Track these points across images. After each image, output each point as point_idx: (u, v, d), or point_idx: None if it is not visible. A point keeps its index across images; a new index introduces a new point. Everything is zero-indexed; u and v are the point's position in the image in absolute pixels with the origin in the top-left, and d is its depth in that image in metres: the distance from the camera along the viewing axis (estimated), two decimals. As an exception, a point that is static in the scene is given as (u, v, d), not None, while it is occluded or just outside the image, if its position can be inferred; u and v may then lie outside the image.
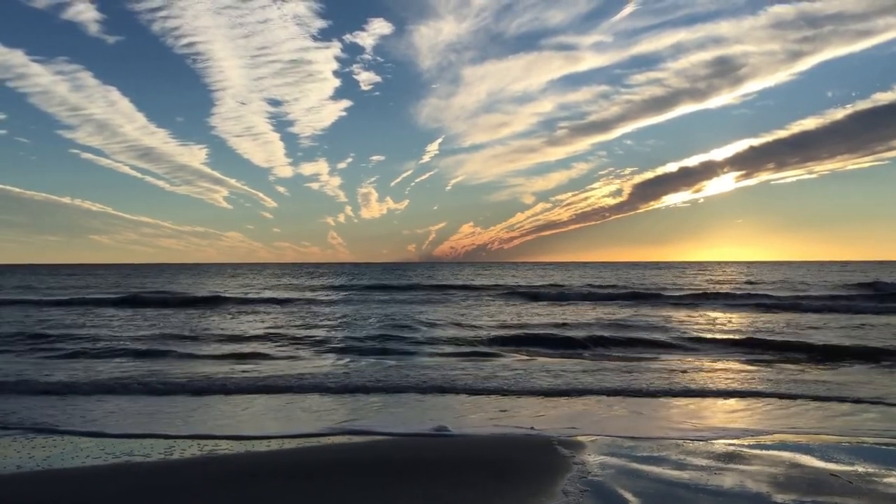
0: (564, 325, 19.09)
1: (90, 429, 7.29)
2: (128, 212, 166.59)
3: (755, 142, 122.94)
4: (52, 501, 4.92)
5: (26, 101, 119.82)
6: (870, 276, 46.45)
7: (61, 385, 9.91)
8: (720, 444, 6.55)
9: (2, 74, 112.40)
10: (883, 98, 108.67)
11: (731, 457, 6.06)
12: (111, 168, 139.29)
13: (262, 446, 6.62)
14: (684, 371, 11.44)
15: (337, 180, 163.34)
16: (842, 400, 8.80)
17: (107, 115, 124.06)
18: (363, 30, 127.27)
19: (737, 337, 16.28)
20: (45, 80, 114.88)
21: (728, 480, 5.34)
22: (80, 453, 6.30)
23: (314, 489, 5.18)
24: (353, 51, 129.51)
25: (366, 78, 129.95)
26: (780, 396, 9.06)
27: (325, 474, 5.57)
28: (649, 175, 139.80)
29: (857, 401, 8.74)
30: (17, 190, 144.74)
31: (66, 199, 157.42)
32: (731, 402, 8.87)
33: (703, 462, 5.88)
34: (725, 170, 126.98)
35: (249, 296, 33.49)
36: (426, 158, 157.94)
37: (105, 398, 9.07)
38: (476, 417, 7.94)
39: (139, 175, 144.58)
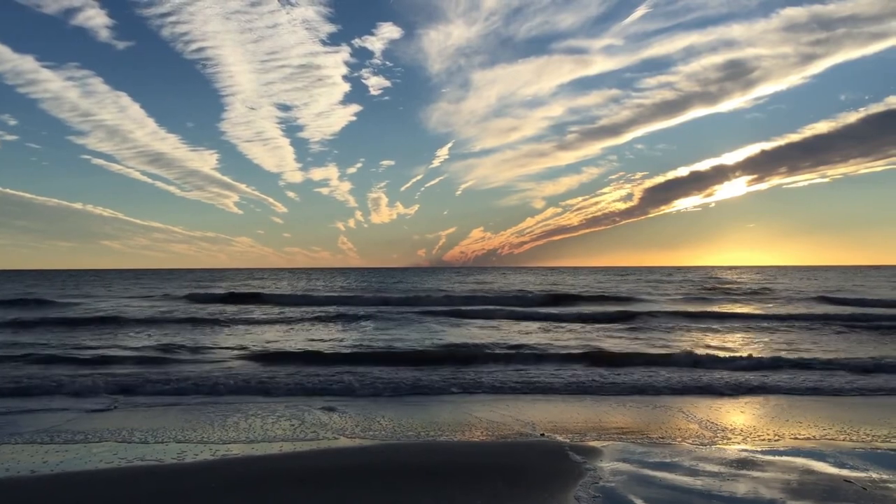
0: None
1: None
2: (139, 217, 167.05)
3: (767, 146, 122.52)
4: (67, 506, 4.95)
5: (37, 106, 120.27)
6: (844, 287, 44.58)
7: None
8: (733, 450, 6.52)
9: (13, 80, 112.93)
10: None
11: (743, 463, 6.03)
12: (122, 173, 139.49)
13: (272, 450, 6.63)
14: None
15: (347, 185, 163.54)
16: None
17: (117, 120, 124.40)
18: (372, 34, 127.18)
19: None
20: (55, 85, 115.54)
21: (741, 487, 5.32)
22: (93, 458, 6.33)
23: (325, 494, 5.19)
24: (362, 55, 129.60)
25: (375, 83, 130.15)
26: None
27: (335, 479, 5.58)
28: (660, 179, 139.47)
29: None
30: (29, 196, 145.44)
31: (78, 205, 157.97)
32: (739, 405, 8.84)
33: (716, 468, 5.86)
34: (737, 174, 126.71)
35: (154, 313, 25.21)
36: (436, 163, 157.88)
37: None
38: (485, 422, 7.94)
39: (150, 180, 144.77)
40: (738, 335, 18.15)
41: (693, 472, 5.73)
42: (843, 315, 22.57)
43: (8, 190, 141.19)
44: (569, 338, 17.43)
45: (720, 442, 6.89)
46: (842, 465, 5.95)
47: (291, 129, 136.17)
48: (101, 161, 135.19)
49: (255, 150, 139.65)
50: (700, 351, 13.95)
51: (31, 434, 7.27)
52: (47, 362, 12.80)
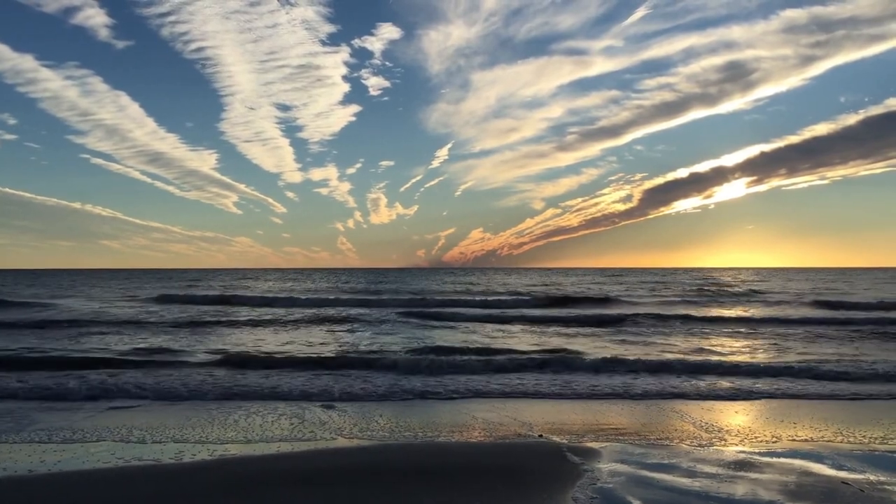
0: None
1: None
2: (138, 217, 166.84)
3: (766, 147, 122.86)
4: (64, 506, 4.94)
5: (36, 106, 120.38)
6: (836, 291, 43.20)
7: None
8: (730, 452, 6.53)
9: (12, 79, 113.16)
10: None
11: (742, 464, 6.04)
12: (121, 173, 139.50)
13: (270, 450, 6.62)
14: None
15: (346, 186, 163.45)
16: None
17: (116, 120, 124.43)
18: (372, 34, 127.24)
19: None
20: (55, 84, 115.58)
21: (739, 489, 5.32)
22: (90, 457, 6.32)
23: (323, 494, 5.19)
24: (361, 56, 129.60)
25: (375, 83, 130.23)
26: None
27: (333, 479, 5.58)
28: (660, 181, 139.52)
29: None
30: (28, 195, 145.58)
31: (77, 205, 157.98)
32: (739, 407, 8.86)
33: (714, 470, 5.86)
34: (736, 175, 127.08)
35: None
36: (435, 164, 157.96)
37: None
38: (484, 424, 7.94)
39: (149, 180, 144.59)
40: (711, 339, 18.16)
41: (691, 474, 5.73)
42: (835, 319, 22.44)
43: (7, 189, 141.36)
44: (539, 341, 17.45)
45: (718, 443, 6.89)
46: (840, 467, 5.95)
47: (291, 130, 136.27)
48: (100, 160, 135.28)
49: (255, 150, 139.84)
50: (670, 355, 13.93)
51: (29, 433, 7.27)
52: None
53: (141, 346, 15.68)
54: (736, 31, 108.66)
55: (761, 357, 13.89)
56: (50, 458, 6.28)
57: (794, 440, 7.05)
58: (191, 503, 5.02)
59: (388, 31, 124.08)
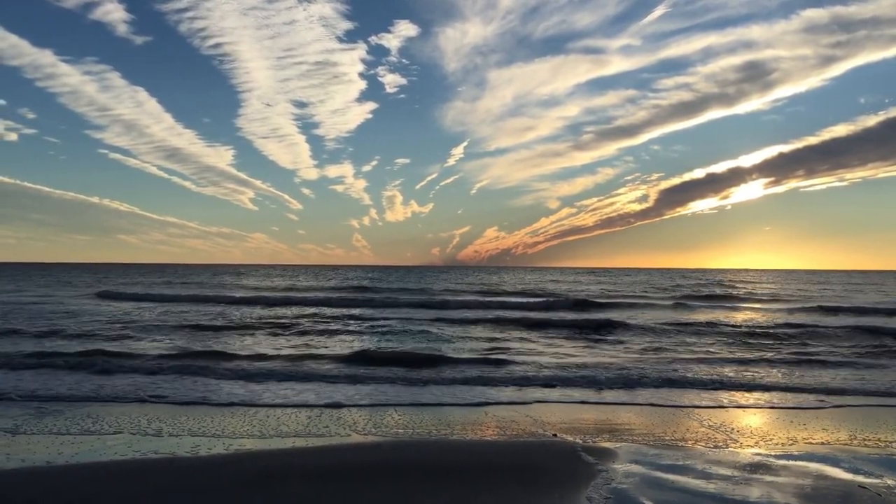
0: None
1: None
2: (155, 212, 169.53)
3: (785, 148, 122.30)
4: (81, 498, 5.00)
5: (55, 101, 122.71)
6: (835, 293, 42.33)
7: None
8: (746, 454, 6.49)
9: (31, 74, 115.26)
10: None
11: (757, 467, 6.00)
12: (139, 168, 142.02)
13: (285, 446, 6.67)
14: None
15: (362, 183, 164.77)
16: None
17: (135, 115, 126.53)
18: (389, 32, 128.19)
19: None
20: (73, 80, 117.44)
21: (755, 492, 5.28)
22: (107, 450, 6.40)
23: (336, 490, 5.22)
24: (378, 53, 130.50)
25: (391, 80, 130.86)
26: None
27: (347, 476, 5.60)
28: (676, 181, 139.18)
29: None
30: (47, 189, 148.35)
31: (95, 199, 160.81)
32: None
33: (729, 472, 5.82)
34: (754, 176, 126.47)
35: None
36: (451, 162, 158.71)
37: None
38: (499, 423, 7.94)
39: (166, 175, 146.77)
40: (709, 341, 18.01)
41: (706, 476, 5.70)
42: (838, 324, 21.83)
43: (26, 183, 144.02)
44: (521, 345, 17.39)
45: (733, 446, 6.85)
46: (856, 471, 5.89)
47: (307, 126, 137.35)
48: (118, 155, 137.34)
49: (271, 147, 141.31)
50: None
51: (48, 424, 7.36)
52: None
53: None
54: (755, 31, 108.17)
55: (769, 361, 13.77)
56: (67, 450, 6.36)
57: (810, 443, 6.98)
58: (205, 497, 5.07)
59: (405, 29, 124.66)
